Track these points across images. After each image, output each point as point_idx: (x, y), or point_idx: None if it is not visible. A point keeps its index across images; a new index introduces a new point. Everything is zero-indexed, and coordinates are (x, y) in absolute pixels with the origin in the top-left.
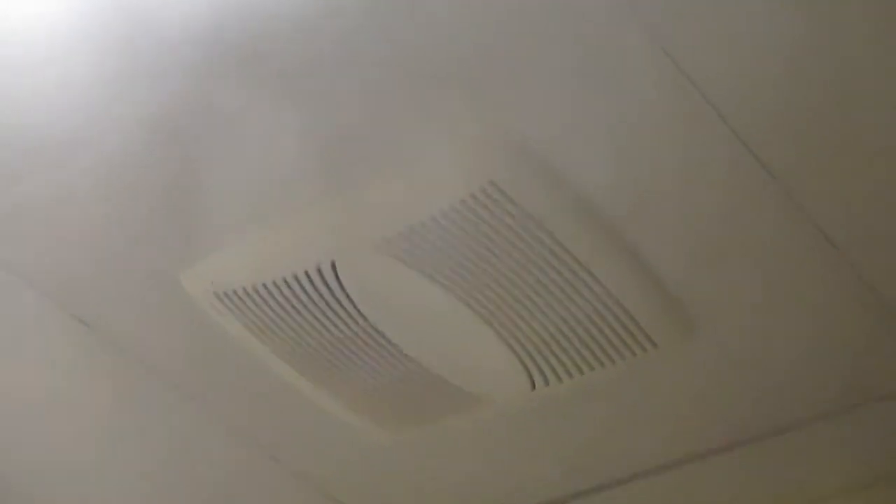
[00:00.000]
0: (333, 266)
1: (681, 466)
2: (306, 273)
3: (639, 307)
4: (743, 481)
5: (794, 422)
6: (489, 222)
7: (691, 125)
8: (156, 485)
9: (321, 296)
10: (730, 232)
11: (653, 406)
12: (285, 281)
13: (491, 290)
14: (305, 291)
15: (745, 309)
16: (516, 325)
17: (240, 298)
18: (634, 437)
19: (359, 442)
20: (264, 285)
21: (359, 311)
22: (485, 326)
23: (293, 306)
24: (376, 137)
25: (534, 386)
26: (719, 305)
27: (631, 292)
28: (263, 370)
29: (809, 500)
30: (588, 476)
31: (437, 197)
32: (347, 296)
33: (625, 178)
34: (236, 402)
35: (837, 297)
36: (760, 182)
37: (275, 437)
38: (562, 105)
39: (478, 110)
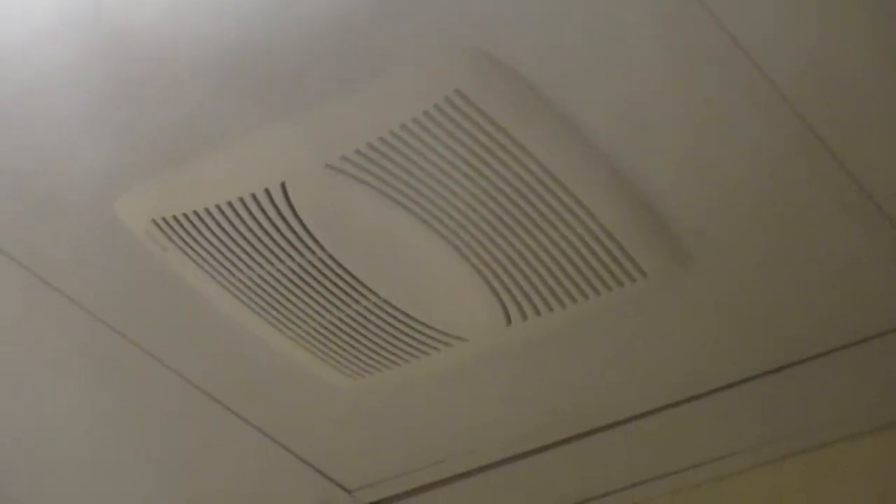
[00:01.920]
0: (284, 188)
1: (674, 409)
2: (254, 196)
3: (625, 231)
4: (742, 422)
5: (797, 359)
6: (456, 136)
7: (682, 27)
8: (95, 428)
9: (271, 221)
10: (729, 151)
11: (642, 343)
12: (231, 205)
13: (460, 213)
14: (253, 216)
15: (746, 236)
16: (489, 253)
17: (180, 225)
18: (622, 378)
19: (315, 388)
20: (207, 210)
21: (313, 238)
22: (454, 254)
23: (240, 233)
24: (330, 51)
25: (510, 321)
26: (717, 232)
27: (616, 214)
28: (207, 308)
29: (813, 443)
30: (572, 422)
31: (397, 109)
32: (300, 221)
33: (608, 91)
34: (178, 343)
35: (846, 224)
36: (765, 97)
37: (221, 382)
38: (534, 8)
39: (440, 16)
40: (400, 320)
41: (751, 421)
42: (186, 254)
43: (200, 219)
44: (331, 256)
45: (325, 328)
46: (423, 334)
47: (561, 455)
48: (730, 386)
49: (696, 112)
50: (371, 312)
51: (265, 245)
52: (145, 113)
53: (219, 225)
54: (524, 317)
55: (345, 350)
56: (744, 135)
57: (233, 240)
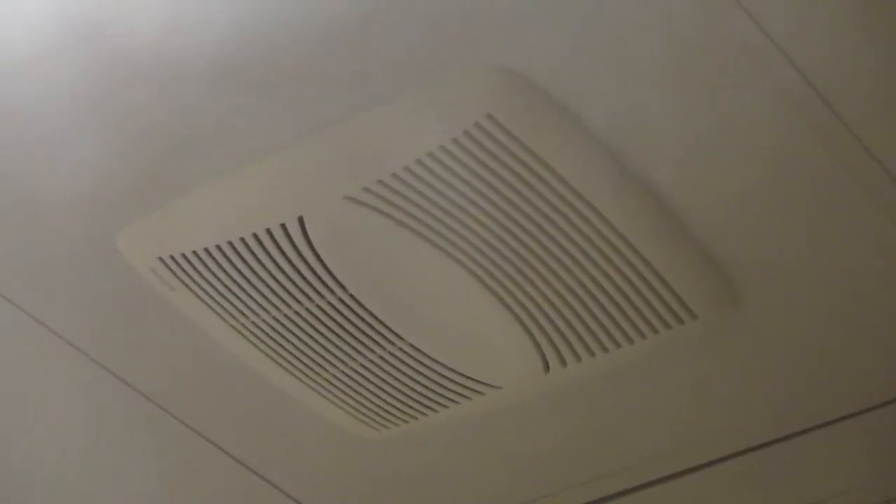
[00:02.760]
0: (301, 223)
1: (723, 463)
2: (269, 232)
3: (673, 268)
4: (790, 478)
5: (851, 411)
6: (487, 164)
7: (733, 50)
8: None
9: (287, 259)
10: (783, 183)
11: (690, 390)
12: (244, 242)
13: (493, 251)
14: (268, 254)
15: (800, 276)
16: (525, 293)
17: (189, 263)
18: (668, 429)
19: (336, 441)
20: (219, 247)
21: (333, 277)
22: (487, 295)
23: (254, 272)
24: (350, 71)
25: (548, 368)
26: (770, 271)
27: (664, 252)
28: (218, 352)
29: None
30: (612, 477)
31: (424, 136)
32: (319, 259)
33: (650, 117)
34: (185, 391)
35: None
36: (824, 126)
37: (234, 434)
38: (569, 31)
39: (467, 34)
40: (429, 367)
41: (814, 476)
42: (196, 294)
43: (211, 256)
44: (353, 297)
45: (347, 376)
46: (454, 382)
47: None
48: (791, 436)
49: (741, 142)
50: (397, 359)
51: (281, 285)
52: (151, 138)
53: (231, 263)
54: (563, 363)
55: (368, 400)
56: (787, 156)
57: (246, 279)
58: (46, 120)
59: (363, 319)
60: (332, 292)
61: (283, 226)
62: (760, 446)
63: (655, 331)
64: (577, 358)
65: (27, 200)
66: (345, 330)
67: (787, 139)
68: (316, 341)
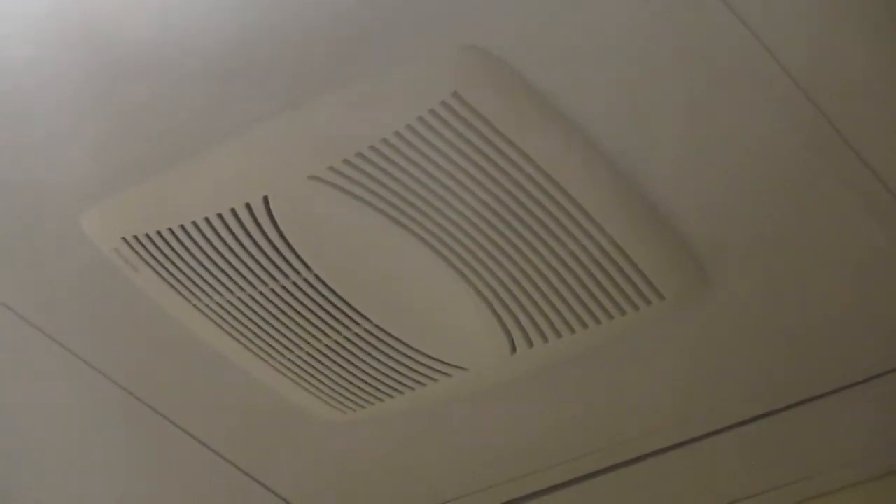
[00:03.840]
0: (266, 202)
1: (690, 445)
2: (233, 211)
3: (639, 247)
4: (761, 459)
5: (822, 391)
6: (454, 143)
7: (701, 27)
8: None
9: (252, 239)
10: (753, 159)
11: (657, 372)
12: (208, 221)
13: (458, 229)
14: (233, 234)
15: (770, 255)
16: (491, 273)
17: (153, 244)
18: (635, 411)
19: (300, 423)
20: (183, 227)
21: (298, 257)
22: (453, 274)
23: (219, 252)
24: (316, 52)
25: (514, 349)
26: (739, 250)
27: (629, 228)
28: (182, 334)
29: (834, 484)
30: (580, 460)
31: (389, 114)
32: (284, 239)
33: (615, 91)
34: (148, 373)
35: (883, 248)
36: (795, 104)
37: (198, 417)
38: (541, 9)
39: (435, 11)
40: (394, 348)
41: (775, 459)
42: (160, 274)
43: (175, 236)
44: (317, 277)
45: (312, 357)
46: (420, 363)
47: (570, 495)
48: (755, 419)
49: (710, 112)
50: (362, 340)
51: (246, 265)
52: (117, 120)
53: (195, 243)
54: (530, 344)
55: (333, 381)
56: (761, 135)
57: (210, 259)
58: (16, 101)
59: (328, 300)
60: (297, 272)
61: (247, 205)
62: (725, 428)
63: (623, 311)
64: (544, 339)
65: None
66: (309, 310)
67: (763, 126)
68: (280, 322)
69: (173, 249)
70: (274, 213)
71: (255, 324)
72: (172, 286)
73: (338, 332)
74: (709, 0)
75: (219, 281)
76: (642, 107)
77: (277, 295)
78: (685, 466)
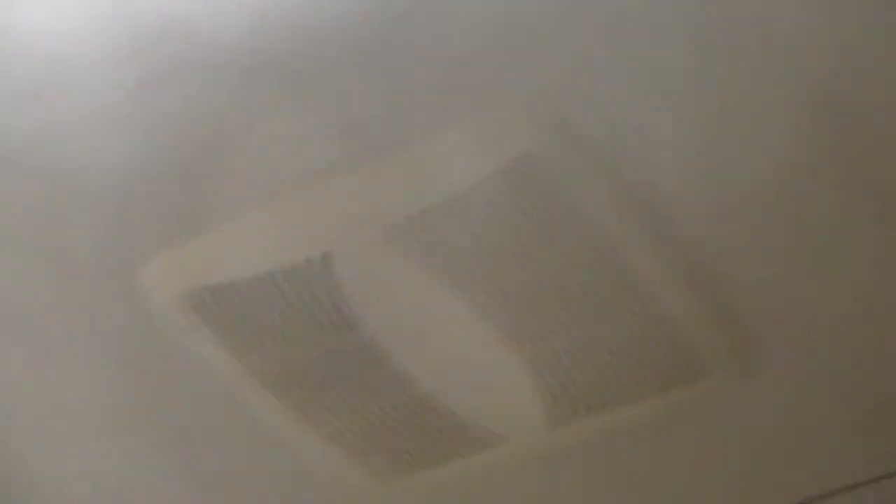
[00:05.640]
0: (326, 259)
1: None
2: (292, 267)
3: (692, 325)
4: None
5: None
6: (520, 206)
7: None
8: None
9: (314, 295)
10: (815, 239)
11: (701, 453)
12: (265, 277)
13: (517, 296)
14: (290, 290)
15: (825, 340)
16: (545, 342)
17: (208, 300)
18: (676, 494)
19: (339, 491)
20: (237, 283)
21: (354, 317)
22: (507, 343)
23: (275, 309)
24: (385, 106)
25: (555, 422)
26: (795, 333)
27: (685, 306)
28: (228, 397)
29: None
30: None
31: (457, 172)
32: (342, 297)
33: (689, 167)
34: (189, 431)
35: None
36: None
37: (240, 483)
38: (612, 77)
39: (510, 76)
40: (440, 415)
41: None
42: (212, 331)
43: (229, 292)
44: (370, 340)
45: (358, 424)
46: (464, 432)
47: None
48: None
49: (791, 200)
50: (411, 407)
51: (299, 323)
52: (176, 169)
53: (249, 300)
54: (572, 418)
55: (377, 449)
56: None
57: (265, 316)
58: (70, 152)
59: (377, 363)
60: (353, 331)
61: (308, 261)
62: None
63: (668, 389)
64: (587, 413)
65: (50, 228)
66: (358, 373)
67: (838, 199)
68: (327, 385)
69: (226, 306)
70: (333, 271)
71: (301, 386)
72: (224, 344)
73: (385, 398)
74: None
75: (271, 340)
76: (706, 181)
77: (327, 357)
78: None
